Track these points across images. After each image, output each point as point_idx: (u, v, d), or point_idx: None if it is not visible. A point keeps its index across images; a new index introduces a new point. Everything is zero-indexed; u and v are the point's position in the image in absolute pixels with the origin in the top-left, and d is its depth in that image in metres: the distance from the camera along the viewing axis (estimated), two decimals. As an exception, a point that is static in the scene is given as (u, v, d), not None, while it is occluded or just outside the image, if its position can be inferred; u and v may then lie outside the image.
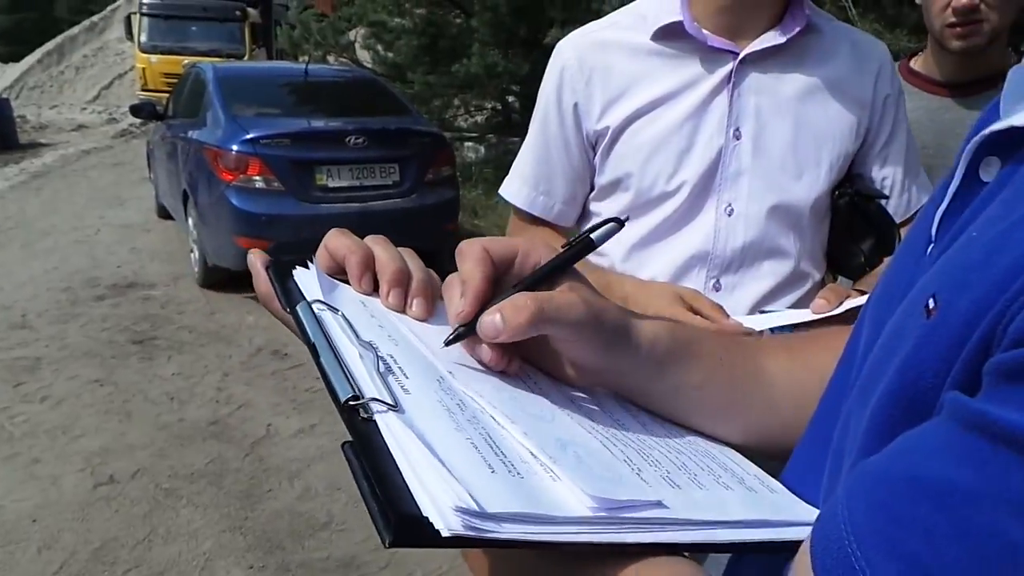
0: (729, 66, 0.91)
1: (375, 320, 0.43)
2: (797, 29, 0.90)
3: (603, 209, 1.00)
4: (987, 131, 0.33)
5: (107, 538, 2.25)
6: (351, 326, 0.40)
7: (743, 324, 0.81)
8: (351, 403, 0.34)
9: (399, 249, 0.47)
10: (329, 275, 0.46)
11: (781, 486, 0.42)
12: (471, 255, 0.41)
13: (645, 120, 0.93)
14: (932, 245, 0.36)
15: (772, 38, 0.90)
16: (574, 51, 0.97)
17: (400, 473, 0.30)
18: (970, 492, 0.23)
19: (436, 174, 4.56)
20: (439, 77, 6.25)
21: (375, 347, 0.39)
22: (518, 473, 0.33)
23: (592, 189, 1.01)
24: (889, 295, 0.37)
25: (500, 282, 0.41)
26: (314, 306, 0.41)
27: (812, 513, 0.36)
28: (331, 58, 7.01)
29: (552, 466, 0.33)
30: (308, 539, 2.27)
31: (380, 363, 0.37)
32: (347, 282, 0.46)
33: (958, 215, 0.34)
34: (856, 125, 0.94)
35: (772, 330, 0.92)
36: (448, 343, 0.40)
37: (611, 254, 0.99)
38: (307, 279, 0.45)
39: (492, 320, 0.38)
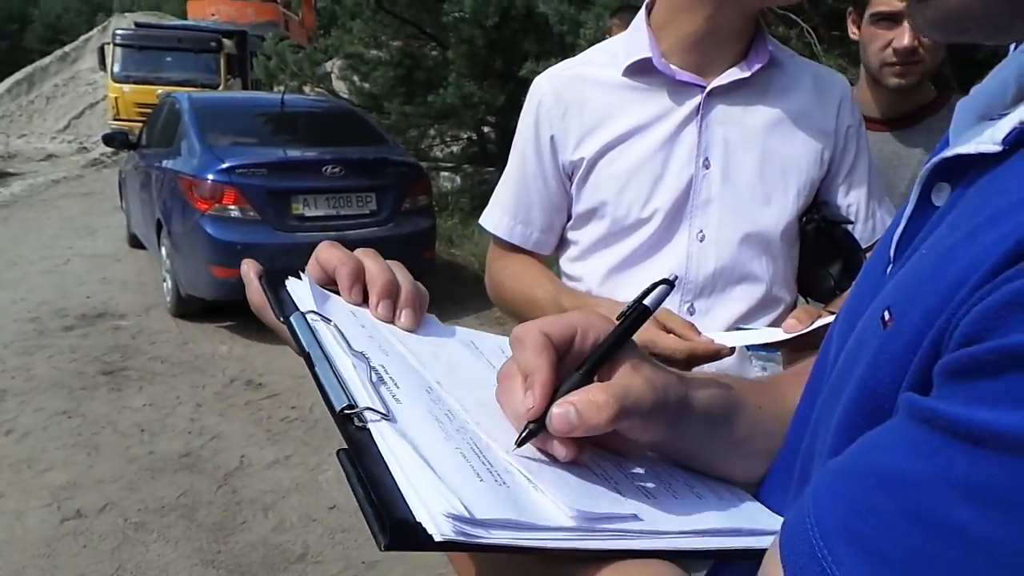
0: (697, 99, 0.96)
1: (365, 330, 0.44)
2: (760, 64, 0.95)
3: (580, 237, 1.03)
4: (937, 158, 0.35)
5: (74, 575, 2.18)
6: (343, 336, 0.41)
7: (715, 341, 0.84)
8: (346, 412, 0.35)
9: (388, 262, 0.49)
10: (320, 286, 0.47)
11: (753, 499, 0.44)
12: (531, 343, 0.38)
13: (618, 151, 0.97)
14: (890, 265, 0.38)
15: (737, 72, 0.95)
16: (550, 86, 1.01)
17: (394, 480, 0.32)
18: (922, 480, 0.25)
19: (413, 203, 4.59)
20: (415, 108, 6.32)
21: (367, 357, 0.40)
22: (504, 483, 0.34)
23: (570, 218, 1.04)
24: (853, 312, 0.40)
25: (560, 363, 0.39)
26: (308, 316, 0.42)
27: (781, 523, 0.38)
28: (307, 89, 7.05)
29: (533, 481, 0.35)
30: (282, 572, 2.23)
31: (372, 373, 0.38)
32: (338, 293, 0.47)
33: (913, 237, 0.37)
34: (820, 154, 0.98)
35: (748, 348, 0.95)
36: (520, 444, 0.37)
37: (588, 280, 1.01)
38: (299, 289, 0.46)
39: (565, 414, 0.35)
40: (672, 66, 0.96)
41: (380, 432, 0.34)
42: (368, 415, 0.35)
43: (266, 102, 5.57)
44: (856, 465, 0.28)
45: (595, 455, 0.40)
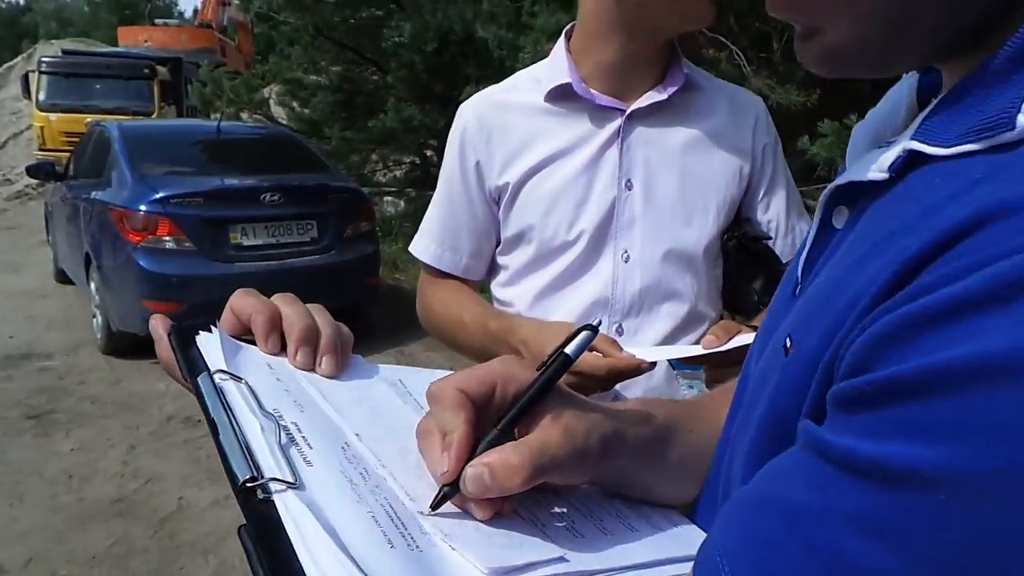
0: (617, 122, 0.98)
1: (281, 384, 0.42)
2: (675, 87, 0.97)
3: (509, 261, 1.03)
4: (833, 184, 0.36)
5: (-7, 638, 2.04)
6: (255, 396, 0.40)
7: (635, 356, 0.85)
8: (248, 484, 0.33)
9: (308, 306, 0.47)
10: (235, 336, 0.46)
11: (690, 523, 0.43)
12: (448, 401, 0.37)
13: (543, 175, 0.98)
14: (799, 286, 0.39)
15: (654, 96, 0.97)
16: (474, 112, 1.02)
17: (296, 557, 0.30)
18: (817, 512, 0.25)
19: (355, 230, 4.54)
20: (356, 133, 6.28)
21: (279, 416, 0.39)
22: (417, 546, 0.33)
23: (499, 243, 1.05)
24: (767, 333, 0.40)
25: (480, 415, 0.38)
26: (216, 376, 0.41)
27: None
28: (245, 115, 6.93)
29: (449, 542, 0.34)
30: (224, 618, 2.14)
31: (283, 435, 0.37)
32: (254, 343, 0.45)
33: (817, 260, 0.38)
34: (739, 172, 1.01)
35: (673, 367, 0.96)
36: (434, 507, 0.36)
37: (518, 304, 1.02)
38: (210, 345, 0.44)
39: (479, 476, 0.35)
40: (592, 91, 0.98)
41: (285, 503, 0.32)
42: (273, 486, 0.33)
43: (202, 130, 5.45)
44: (759, 496, 0.29)
45: (523, 496, 0.39)
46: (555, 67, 1.00)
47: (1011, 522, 0.21)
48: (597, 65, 0.97)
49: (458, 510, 0.36)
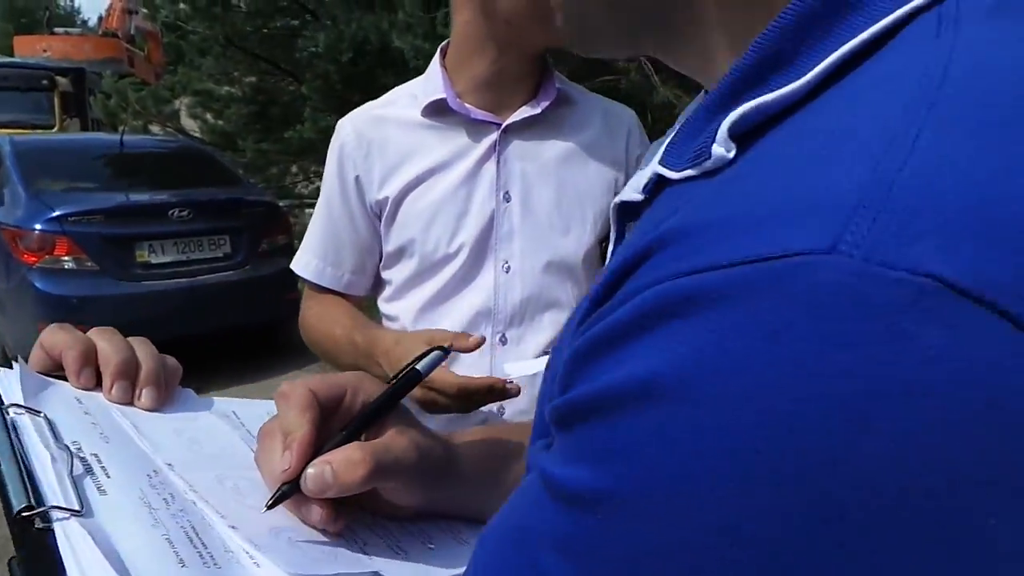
0: (493, 136, 1.00)
1: (89, 417, 0.42)
2: (547, 101, 1.01)
3: (393, 276, 1.04)
4: (614, 202, 0.38)
5: None
6: (52, 429, 0.39)
7: (503, 368, 0.87)
8: (24, 514, 0.33)
9: (131, 339, 0.47)
10: (48, 373, 0.45)
11: None
12: (295, 401, 0.37)
13: (422, 189, 0.99)
14: None
15: (528, 110, 1.00)
16: (353, 127, 1.03)
17: None
18: (535, 532, 0.25)
19: (271, 244, 4.43)
20: (273, 144, 6.11)
21: (78, 448, 0.38)
22: (215, 564, 0.33)
23: (382, 258, 1.05)
24: None
25: (326, 423, 0.38)
26: (10, 410, 0.40)
27: None
28: (157, 128, 6.65)
29: (254, 552, 0.34)
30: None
31: (79, 465, 0.37)
32: (67, 379, 0.45)
33: None
34: (613, 182, 1.05)
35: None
36: (270, 506, 0.36)
37: (403, 318, 1.03)
38: (8, 380, 0.43)
39: (320, 474, 0.35)
40: (467, 105, 1.00)
41: (65, 531, 0.32)
42: (55, 514, 0.33)
43: (104, 144, 5.20)
44: (501, 516, 0.29)
45: (351, 521, 0.39)
46: (430, 83, 1.02)
47: (647, 542, 0.21)
48: (471, 80, 1.00)
49: (273, 527, 0.37)
